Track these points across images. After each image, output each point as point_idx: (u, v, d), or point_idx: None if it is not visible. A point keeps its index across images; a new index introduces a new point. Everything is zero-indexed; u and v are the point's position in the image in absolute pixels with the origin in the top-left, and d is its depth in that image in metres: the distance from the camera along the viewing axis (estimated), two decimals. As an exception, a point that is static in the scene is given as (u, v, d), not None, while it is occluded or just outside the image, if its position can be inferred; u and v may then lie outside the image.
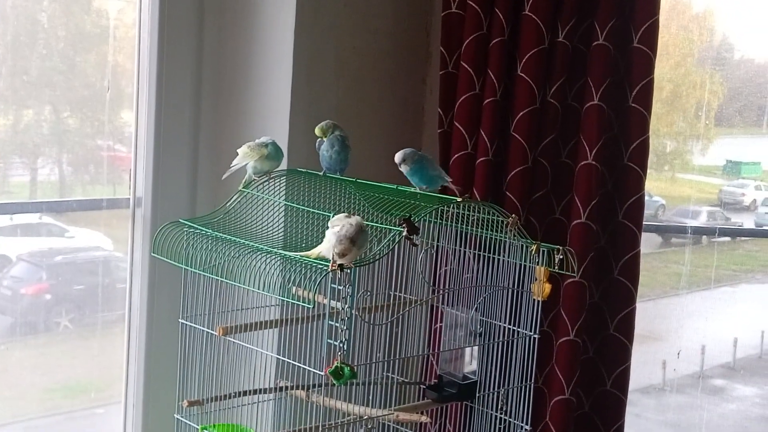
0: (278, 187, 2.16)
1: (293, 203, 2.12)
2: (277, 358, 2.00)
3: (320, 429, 1.93)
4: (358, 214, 1.86)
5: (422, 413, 2.07)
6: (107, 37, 2.47)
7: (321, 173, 2.17)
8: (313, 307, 1.77)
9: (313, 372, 1.87)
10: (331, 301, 1.79)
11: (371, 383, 2.18)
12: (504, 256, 2.14)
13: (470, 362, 2.23)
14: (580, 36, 2.42)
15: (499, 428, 2.18)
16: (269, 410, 2.13)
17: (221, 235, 1.97)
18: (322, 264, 1.78)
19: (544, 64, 2.40)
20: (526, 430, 2.16)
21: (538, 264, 2.10)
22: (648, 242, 3.13)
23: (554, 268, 2.08)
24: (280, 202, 2.13)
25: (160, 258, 2.01)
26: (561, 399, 2.42)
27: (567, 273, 2.10)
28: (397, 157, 2.08)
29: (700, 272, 3.20)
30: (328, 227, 1.81)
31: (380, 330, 2.05)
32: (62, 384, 2.59)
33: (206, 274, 1.94)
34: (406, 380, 2.32)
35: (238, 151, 2.15)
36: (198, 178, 2.48)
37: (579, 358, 2.43)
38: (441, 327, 2.34)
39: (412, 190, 2.08)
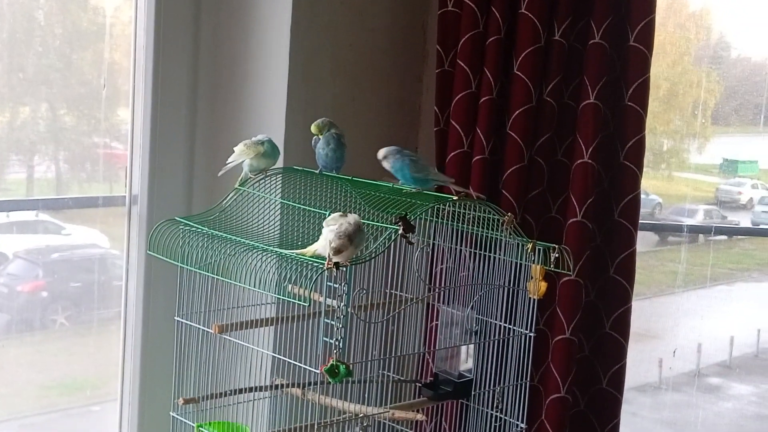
0: (274, 185, 2.16)
1: (289, 201, 2.12)
2: (273, 355, 1.99)
3: (316, 427, 1.93)
4: (355, 212, 1.86)
5: (418, 411, 2.07)
6: (104, 34, 2.47)
7: (317, 171, 2.17)
8: (309, 305, 1.76)
9: (309, 370, 1.87)
10: (327, 298, 1.79)
11: (367, 381, 2.17)
12: (500, 255, 2.14)
13: (466, 360, 2.24)
14: (577, 34, 2.42)
15: (495, 426, 2.18)
16: (265, 408, 2.12)
17: (217, 232, 1.97)
18: (318, 262, 1.78)
19: (541, 63, 2.40)
20: (521, 428, 2.16)
21: (533, 262, 2.10)
22: (644, 240, 3.14)
23: (550, 267, 2.09)
24: (276, 200, 2.13)
25: (156, 256, 2.01)
26: (557, 397, 2.43)
27: (563, 271, 2.10)
28: (379, 153, 2.09)
29: (696, 270, 3.20)
30: (323, 225, 1.81)
31: (376, 328, 2.05)
32: (58, 381, 2.59)
33: (202, 271, 1.94)
34: (402, 378, 2.32)
35: (234, 148, 2.15)
36: (194, 175, 2.48)
37: (575, 356, 2.43)
38: (437, 325, 2.34)
39: (408, 188, 2.08)
